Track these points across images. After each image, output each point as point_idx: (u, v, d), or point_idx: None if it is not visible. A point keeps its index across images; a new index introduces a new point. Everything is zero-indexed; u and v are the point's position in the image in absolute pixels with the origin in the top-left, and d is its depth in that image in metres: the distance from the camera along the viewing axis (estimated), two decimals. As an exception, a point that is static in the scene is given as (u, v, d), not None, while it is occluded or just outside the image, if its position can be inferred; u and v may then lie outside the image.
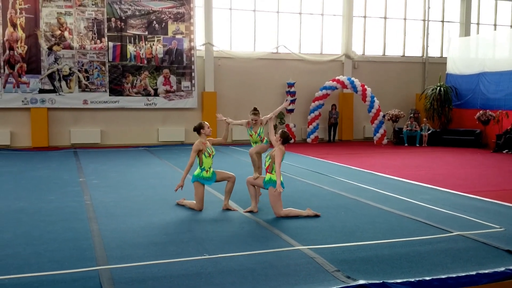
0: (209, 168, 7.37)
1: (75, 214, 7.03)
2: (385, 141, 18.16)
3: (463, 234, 6.07)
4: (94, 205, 7.63)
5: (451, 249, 5.52)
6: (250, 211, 7.17)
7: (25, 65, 15.60)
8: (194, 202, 7.47)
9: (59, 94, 15.93)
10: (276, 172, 6.78)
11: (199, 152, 7.31)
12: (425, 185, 9.62)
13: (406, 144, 17.80)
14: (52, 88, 15.85)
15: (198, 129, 7.47)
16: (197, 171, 7.40)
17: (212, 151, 7.41)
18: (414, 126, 17.97)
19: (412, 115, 18.65)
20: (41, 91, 15.76)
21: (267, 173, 6.99)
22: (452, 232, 6.14)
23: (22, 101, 15.62)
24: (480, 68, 18.08)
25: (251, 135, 8.02)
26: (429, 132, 17.95)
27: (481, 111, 17.11)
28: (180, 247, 5.56)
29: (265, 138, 8.07)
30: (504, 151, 15.59)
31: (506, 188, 9.54)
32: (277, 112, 8.32)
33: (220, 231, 6.25)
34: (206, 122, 7.59)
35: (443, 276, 4.60)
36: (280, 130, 7.16)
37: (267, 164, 6.98)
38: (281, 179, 6.80)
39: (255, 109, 7.96)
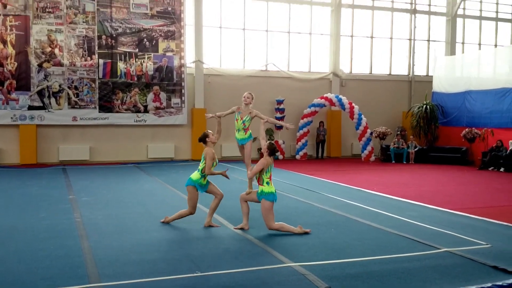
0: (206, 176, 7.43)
1: (66, 232, 7.04)
2: (372, 158, 18.37)
3: (450, 250, 6.19)
4: (84, 222, 7.64)
5: (439, 266, 5.63)
6: (241, 228, 7.22)
7: (14, 81, 15.59)
8: (180, 212, 7.51)
9: (48, 111, 15.92)
10: (250, 174, 7.11)
11: (212, 160, 7.26)
12: (412, 202, 9.76)
13: (393, 161, 18.00)
14: (41, 104, 15.85)
15: (203, 138, 7.44)
16: (196, 176, 7.33)
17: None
18: (401, 144, 18.21)
19: (398, 132, 18.90)
20: (30, 107, 15.74)
21: (259, 186, 7.07)
22: (439, 249, 6.26)
23: (11, 117, 15.59)
24: (466, 86, 18.43)
25: (236, 120, 8.30)
26: (415, 149, 18.18)
27: (466, 129, 17.40)
28: (171, 264, 5.60)
29: (249, 130, 8.33)
30: (489, 169, 15.85)
31: (493, 205, 9.72)
32: (274, 122, 8.86)
33: (211, 248, 6.30)
34: (209, 131, 7.55)
35: (432, 292, 4.69)
36: (268, 142, 7.27)
37: (257, 176, 7.07)
38: (274, 191, 6.97)
39: (249, 93, 8.31)
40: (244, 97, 8.31)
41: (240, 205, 7.32)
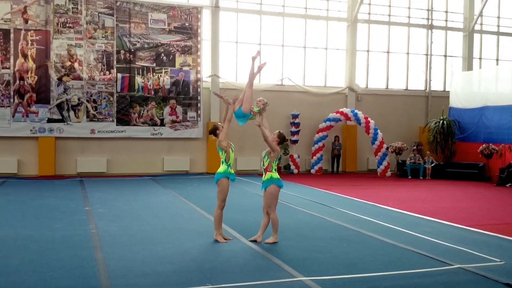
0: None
1: (81, 243, 7.14)
2: (388, 173, 18.26)
3: (463, 267, 6.13)
4: (99, 233, 7.73)
5: (451, 282, 5.58)
6: (254, 240, 7.25)
7: (34, 95, 15.93)
8: (215, 218, 7.37)
9: (67, 124, 16.21)
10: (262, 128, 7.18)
11: (227, 147, 7.31)
12: (427, 218, 9.68)
13: (410, 177, 17.88)
14: (60, 117, 16.15)
15: (214, 130, 7.51)
16: (223, 168, 7.30)
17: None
18: (418, 159, 18.08)
19: (415, 147, 18.79)
20: (50, 120, 16.05)
21: (267, 172, 7.22)
22: (452, 265, 6.20)
23: (31, 130, 15.90)
24: (483, 102, 18.29)
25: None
26: (432, 165, 18.04)
27: (484, 145, 17.23)
28: (183, 276, 5.65)
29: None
30: (507, 185, 15.64)
31: (509, 222, 9.60)
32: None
33: (223, 261, 6.34)
34: (219, 123, 7.59)
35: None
36: (277, 131, 7.39)
37: (265, 164, 7.21)
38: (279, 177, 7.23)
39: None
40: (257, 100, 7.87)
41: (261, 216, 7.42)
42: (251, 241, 7.27)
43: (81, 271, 5.77)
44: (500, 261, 6.44)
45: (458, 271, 5.99)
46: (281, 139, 7.29)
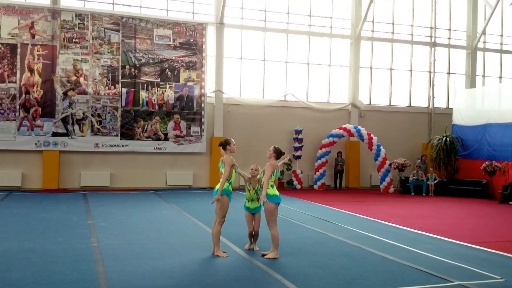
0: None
1: (82, 256, 7.18)
2: (391, 189, 18.24)
3: (463, 284, 6.12)
4: (101, 247, 7.77)
5: (451, 299, 5.58)
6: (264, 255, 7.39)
7: (40, 109, 16.08)
8: (213, 233, 7.42)
9: (72, 138, 16.32)
10: (263, 184, 7.17)
11: (231, 167, 7.33)
12: (429, 234, 9.67)
13: (413, 193, 17.84)
14: (65, 131, 16.27)
15: (224, 144, 7.45)
16: (225, 184, 7.33)
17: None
18: (421, 176, 18.07)
19: (419, 162, 18.80)
20: (54, 134, 16.17)
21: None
22: (453, 282, 6.20)
23: (35, 143, 16.02)
24: (486, 119, 18.31)
25: (248, 190, 7.71)
26: (435, 181, 18.01)
27: (487, 162, 17.22)
28: (183, 290, 5.67)
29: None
30: (510, 202, 15.59)
31: (511, 239, 9.56)
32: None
33: (223, 275, 6.35)
34: (232, 140, 7.55)
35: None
36: (273, 146, 7.48)
37: (263, 180, 7.26)
38: (278, 194, 7.24)
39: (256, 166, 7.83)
40: (251, 169, 7.69)
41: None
42: (262, 255, 7.34)
43: (82, 284, 5.80)
44: (501, 279, 6.43)
45: (458, 288, 5.99)
46: (278, 154, 7.42)
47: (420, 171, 18.20)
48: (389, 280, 6.27)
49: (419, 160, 19.15)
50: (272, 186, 7.24)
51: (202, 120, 17.66)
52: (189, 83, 17.55)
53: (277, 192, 7.30)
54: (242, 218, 8.05)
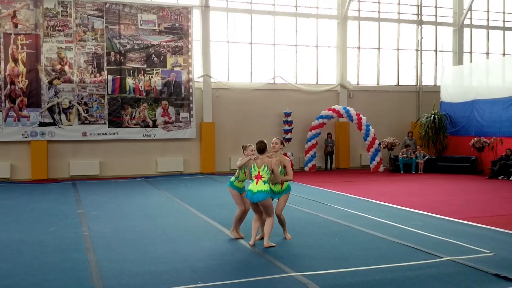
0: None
1: (73, 245, 7.16)
2: (381, 168, 18.35)
3: (453, 259, 6.19)
4: (91, 236, 7.75)
5: (441, 274, 5.64)
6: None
7: (25, 99, 15.89)
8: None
9: (59, 127, 16.18)
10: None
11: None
12: (419, 211, 9.76)
13: (402, 172, 17.96)
14: (52, 121, 16.12)
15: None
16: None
17: (252, 174, 7.07)
18: (410, 154, 18.17)
19: (406, 139, 18.88)
20: (41, 124, 16.01)
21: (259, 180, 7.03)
22: (442, 257, 6.26)
23: (23, 134, 15.86)
24: (474, 95, 18.40)
25: (244, 172, 7.51)
26: (424, 159, 18.13)
27: (475, 138, 17.34)
28: (175, 275, 5.68)
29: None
30: (499, 177, 15.76)
31: (500, 214, 9.68)
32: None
33: (214, 259, 6.37)
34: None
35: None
36: (277, 138, 7.46)
37: (270, 176, 7.06)
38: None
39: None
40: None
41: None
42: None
43: (74, 273, 5.80)
44: (490, 253, 6.51)
45: (448, 263, 6.05)
46: (258, 151, 7.03)
47: (410, 150, 18.29)
48: (379, 257, 6.33)
49: (406, 137, 19.22)
50: (265, 182, 6.92)
51: (191, 105, 17.56)
52: (176, 69, 17.41)
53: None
54: (233, 202, 8.03)
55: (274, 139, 7.47)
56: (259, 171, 6.96)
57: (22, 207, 10.77)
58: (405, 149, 18.31)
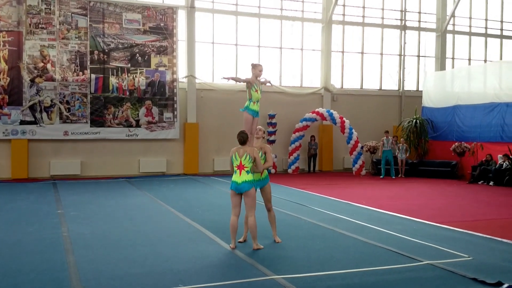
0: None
1: (52, 246, 7.07)
2: (363, 172, 18.47)
3: (432, 263, 6.26)
4: (71, 237, 7.66)
5: (420, 278, 5.70)
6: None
7: (6, 96, 15.67)
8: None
9: (40, 126, 15.98)
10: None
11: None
12: (399, 215, 9.84)
13: (382, 177, 17.79)
14: (33, 119, 15.92)
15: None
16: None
17: (233, 164, 7.01)
18: (390, 142, 17.70)
19: (384, 138, 18.61)
20: (22, 122, 15.80)
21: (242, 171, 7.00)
22: (422, 261, 6.33)
23: (3, 132, 15.63)
24: (455, 101, 18.63)
25: (256, 90, 7.87)
26: (407, 154, 17.92)
27: (456, 143, 17.55)
28: (155, 278, 5.64)
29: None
30: (479, 182, 15.97)
31: (479, 219, 9.80)
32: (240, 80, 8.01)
33: (196, 262, 6.34)
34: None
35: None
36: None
37: (253, 165, 7.05)
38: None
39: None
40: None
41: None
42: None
43: (53, 274, 5.73)
44: (468, 257, 6.59)
45: (427, 267, 6.11)
46: (240, 142, 7.05)
47: (390, 137, 17.85)
48: (360, 261, 6.36)
49: (384, 137, 19.05)
50: (248, 172, 6.92)
51: (175, 106, 17.49)
52: (161, 68, 17.33)
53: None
54: (219, 204, 8.02)
55: (258, 126, 7.67)
56: (240, 160, 6.95)
57: (1, 206, 10.61)
58: (385, 137, 17.79)
